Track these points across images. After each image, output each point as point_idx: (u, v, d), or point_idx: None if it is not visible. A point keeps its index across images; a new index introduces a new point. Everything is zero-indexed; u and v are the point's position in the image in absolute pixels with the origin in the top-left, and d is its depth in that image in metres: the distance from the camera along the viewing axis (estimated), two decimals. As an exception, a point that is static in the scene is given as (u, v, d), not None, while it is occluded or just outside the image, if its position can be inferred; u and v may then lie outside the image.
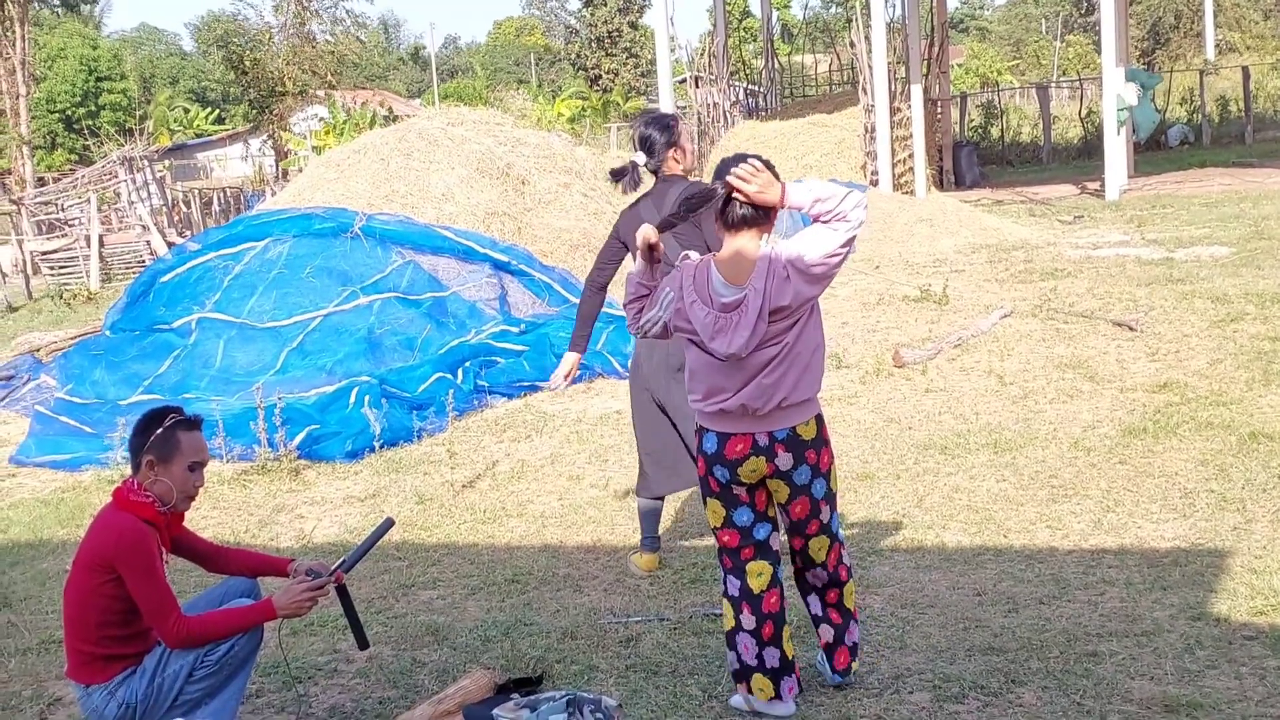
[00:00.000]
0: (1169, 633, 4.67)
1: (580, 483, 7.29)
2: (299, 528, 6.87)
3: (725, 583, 4.29)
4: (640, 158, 5.66)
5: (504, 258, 10.57)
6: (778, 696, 4.23)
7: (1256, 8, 57.03)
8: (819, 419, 4.19)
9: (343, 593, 4.38)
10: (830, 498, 4.27)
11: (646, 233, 4.13)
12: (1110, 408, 7.82)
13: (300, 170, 16.67)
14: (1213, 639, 4.59)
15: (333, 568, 4.34)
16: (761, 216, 4.02)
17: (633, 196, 5.71)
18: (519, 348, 9.54)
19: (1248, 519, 5.74)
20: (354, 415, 8.11)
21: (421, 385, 8.70)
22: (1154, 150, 27.74)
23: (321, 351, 9.32)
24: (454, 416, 8.55)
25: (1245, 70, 31.16)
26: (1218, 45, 49.76)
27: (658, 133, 5.63)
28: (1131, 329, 9.75)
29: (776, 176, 4.02)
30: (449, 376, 8.90)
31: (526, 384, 9.32)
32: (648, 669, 4.72)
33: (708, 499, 4.26)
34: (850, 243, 3.97)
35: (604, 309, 10.15)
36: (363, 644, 4.45)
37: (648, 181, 5.69)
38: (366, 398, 8.23)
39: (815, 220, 3.96)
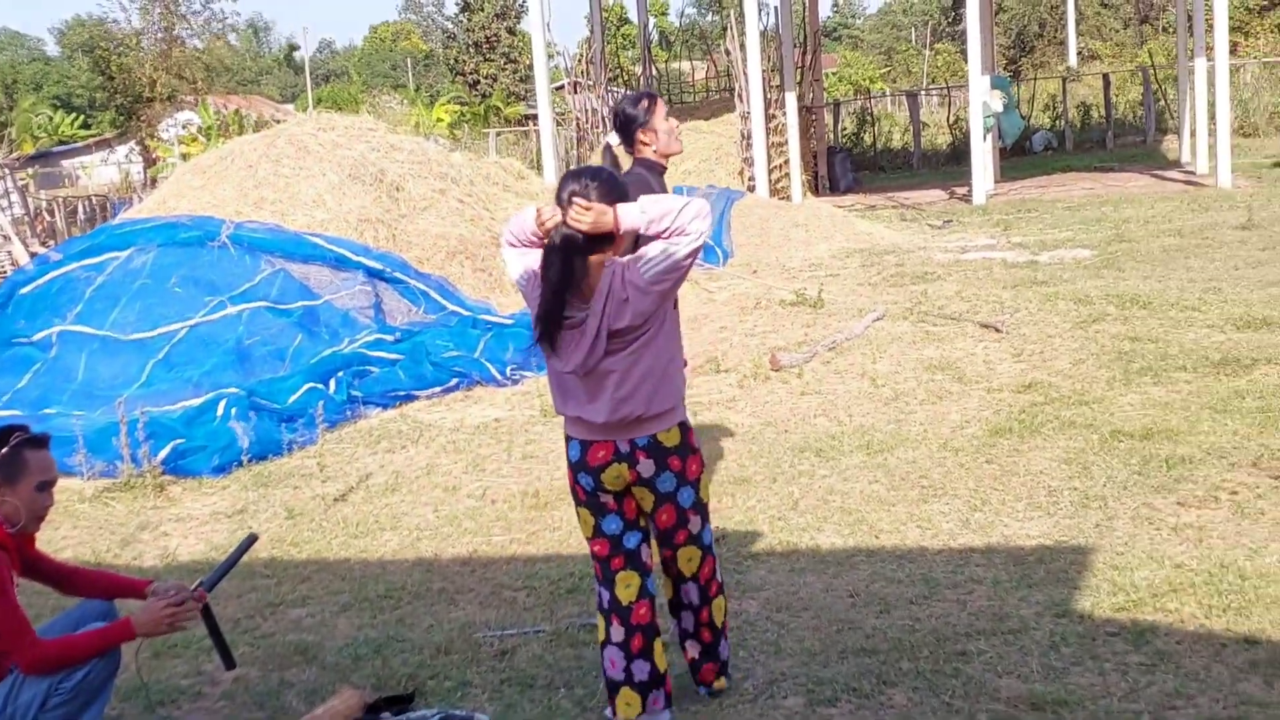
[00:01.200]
0: (1035, 630, 4.76)
1: (457, 493, 7.21)
2: (163, 546, 6.69)
3: (598, 594, 4.26)
4: (614, 138, 5.56)
5: (378, 265, 10.43)
6: (644, 710, 4.20)
7: (1116, 17, 58.79)
8: (683, 426, 4.15)
9: (206, 612, 4.26)
10: (699, 508, 4.24)
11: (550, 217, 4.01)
12: (978, 408, 7.97)
13: (169, 177, 16.30)
14: (1077, 636, 4.68)
15: (194, 586, 4.22)
16: (604, 241, 3.93)
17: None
18: (394, 356, 9.42)
19: (1109, 516, 5.88)
20: (221, 428, 7.92)
21: (292, 396, 8.53)
22: (1019, 156, 28.38)
23: (188, 364, 9.09)
24: (325, 428, 8.40)
25: (1106, 78, 32.08)
26: (1080, 53, 51.17)
27: (629, 112, 5.50)
28: (998, 330, 9.95)
29: (616, 192, 3.95)
30: (321, 387, 8.75)
31: (402, 393, 9.20)
32: (522, 682, 4.67)
33: (578, 508, 4.23)
34: (695, 253, 3.92)
35: (483, 317, 10.16)
36: (229, 664, 4.34)
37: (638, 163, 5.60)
38: (234, 410, 8.04)
39: (655, 238, 3.92)
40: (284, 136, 12.05)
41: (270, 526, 6.83)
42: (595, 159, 21.19)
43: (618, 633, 4.18)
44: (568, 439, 4.16)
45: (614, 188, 3.98)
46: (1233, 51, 23.96)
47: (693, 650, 4.42)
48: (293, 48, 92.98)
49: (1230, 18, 19.96)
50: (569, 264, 3.88)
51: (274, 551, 6.46)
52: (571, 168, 4.10)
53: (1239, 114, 27.29)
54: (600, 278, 3.93)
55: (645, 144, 5.54)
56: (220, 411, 8.11)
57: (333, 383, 8.93)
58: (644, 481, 4.10)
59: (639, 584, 4.21)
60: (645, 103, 5.53)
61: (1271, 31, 41.84)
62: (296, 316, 9.68)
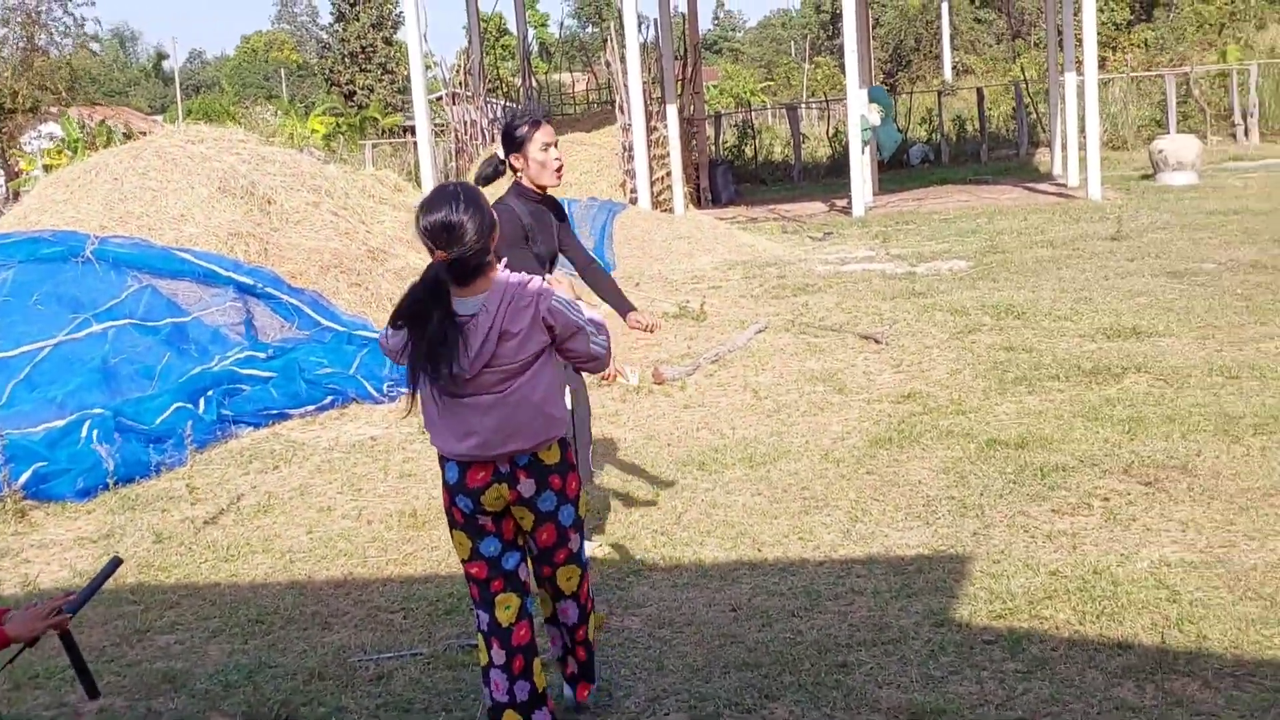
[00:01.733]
0: (914, 640, 4.77)
1: (331, 514, 7.04)
2: (24, 573, 6.42)
3: (477, 617, 4.16)
4: (500, 153, 5.45)
5: (249, 280, 10.17)
6: None
7: (990, 32, 60.17)
8: (563, 443, 4.09)
9: (67, 639, 4.07)
10: (578, 525, 4.19)
11: None
12: (858, 419, 8.02)
13: (31, 191, 15.75)
14: (955, 645, 4.70)
15: (52, 607, 4.03)
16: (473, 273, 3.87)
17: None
18: (266, 374, 9.19)
19: (986, 524, 5.94)
20: (85, 450, 7.64)
21: (160, 416, 8.26)
22: (897, 169, 28.84)
23: (51, 383, 8.76)
24: (195, 449, 8.16)
25: (980, 92, 32.76)
26: (955, 67, 52.24)
27: (509, 131, 5.35)
28: (877, 342, 10.05)
29: (487, 220, 3.84)
30: (190, 406, 8.49)
31: (274, 412, 8.98)
32: (399, 707, 4.56)
33: (453, 530, 4.11)
34: (586, 353, 4.04)
35: (358, 332, 9.97)
36: (92, 693, 4.14)
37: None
38: (98, 431, 7.77)
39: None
40: (151, 149, 11.73)
41: (137, 551, 6.60)
42: (474, 170, 21.05)
43: (499, 655, 4.09)
44: (444, 460, 4.05)
45: (481, 213, 3.83)
46: (1101, 66, 24.60)
47: (571, 666, 4.37)
48: (161, 57, 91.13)
49: (1098, 33, 20.48)
50: (445, 306, 3.79)
51: (141, 576, 6.24)
52: (436, 188, 3.96)
53: (1108, 128, 28.05)
54: (495, 280, 3.87)
55: (515, 169, 5.43)
56: (85, 433, 7.83)
57: (202, 402, 8.68)
58: (524, 501, 4.02)
59: (519, 605, 4.12)
60: (525, 127, 5.35)
61: (1138, 47, 43.12)
62: (164, 334, 9.40)
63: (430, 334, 3.76)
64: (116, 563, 4.36)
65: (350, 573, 6.09)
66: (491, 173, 5.50)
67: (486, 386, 3.88)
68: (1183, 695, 4.18)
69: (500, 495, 3.99)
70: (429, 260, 3.82)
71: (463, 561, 4.13)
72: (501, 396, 3.89)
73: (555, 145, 5.42)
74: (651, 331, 5.60)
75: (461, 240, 3.76)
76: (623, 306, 5.75)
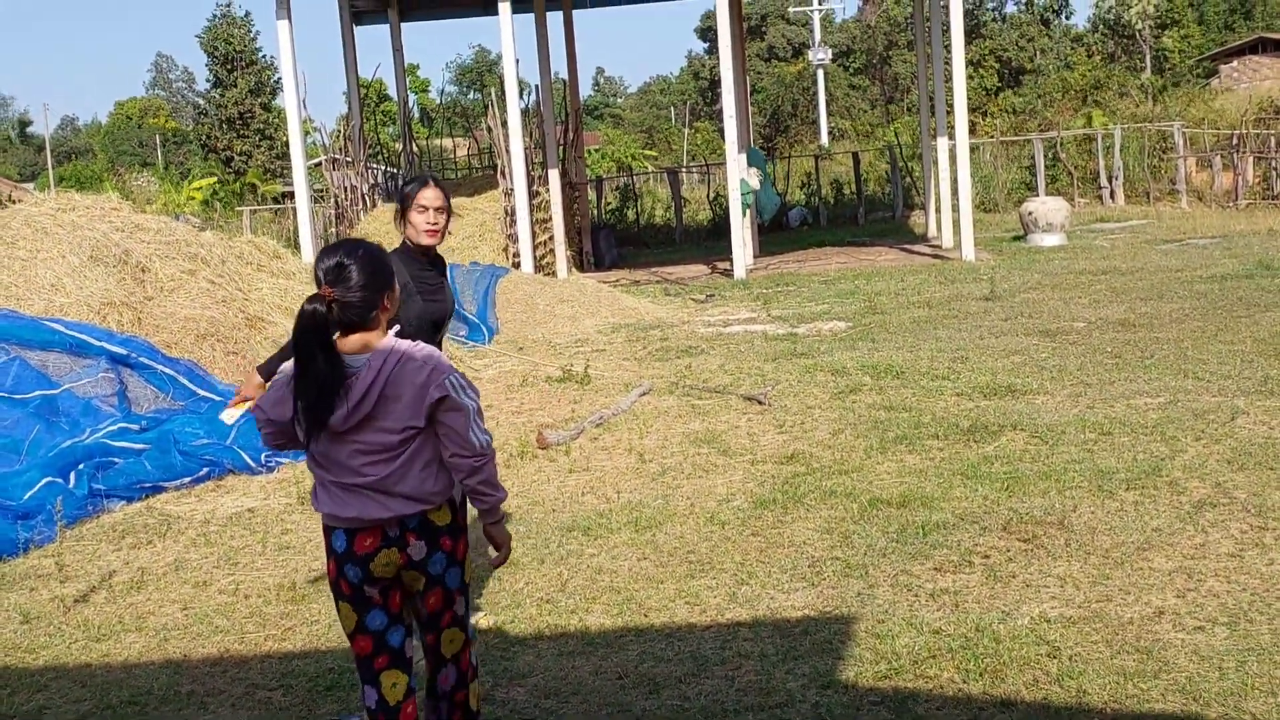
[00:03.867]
0: (801, 703, 4.77)
1: (207, 589, 6.84)
2: (-120, 660, 6.13)
3: (363, 693, 4.06)
4: None
5: (122, 350, 9.92)
6: None
7: (864, 98, 61.62)
8: (452, 504, 4.05)
9: None
10: (464, 589, 4.14)
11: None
12: (743, 480, 8.05)
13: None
14: (842, 706, 4.71)
15: None
16: (357, 322, 3.89)
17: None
18: (140, 446, 8.94)
19: (870, 584, 5.98)
20: (-52, 529, 7.35)
21: (28, 492, 7.98)
22: (777, 231, 29.29)
23: (-88, 459, 8.44)
24: (65, 525, 7.88)
25: (856, 156, 33.49)
26: (831, 132, 53.34)
27: (400, 191, 5.43)
28: (760, 403, 10.12)
29: (379, 270, 3.91)
30: (59, 481, 8.22)
31: (149, 484, 8.74)
32: (278, 788, 4.42)
33: (339, 603, 4.02)
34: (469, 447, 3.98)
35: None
36: None
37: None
38: (-38, 509, 7.49)
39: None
40: (19, 217, 11.43)
41: (3, 632, 6.34)
42: (363, 225, 20.86)
43: None
44: (329, 530, 3.97)
45: (376, 265, 3.89)
46: (972, 131, 25.33)
47: None
48: (24, 123, 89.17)
49: (968, 99, 21.08)
50: (323, 339, 3.78)
51: (7, 659, 5.99)
52: (330, 243, 3.96)
53: (980, 190, 28.83)
54: (383, 342, 3.90)
55: (400, 228, 5.44)
56: (-53, 510, 7.53)
57: (73, 476, 8.41)
58: (415, 565, 3.96)
59: (405, 682, 4.05)
60: (410, 187, 5.42)
61: (1007, 112, 44.45)
62: (33, 406, 9.11)
63: (317, 373, 3.75)
64: None
65: (227, 649, 5.92)
66: None
67: (364, 461, 3.85)
68: (1065, 751, 4.23)
69: (390, 561, 3.93)
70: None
71: (348, 634, 4.04)
72: (382, 467, 3.86)
73: (440, 210, 5.40)
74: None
75: (348, 281, 3.81)
76: None
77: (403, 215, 5.38)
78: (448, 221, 5.48)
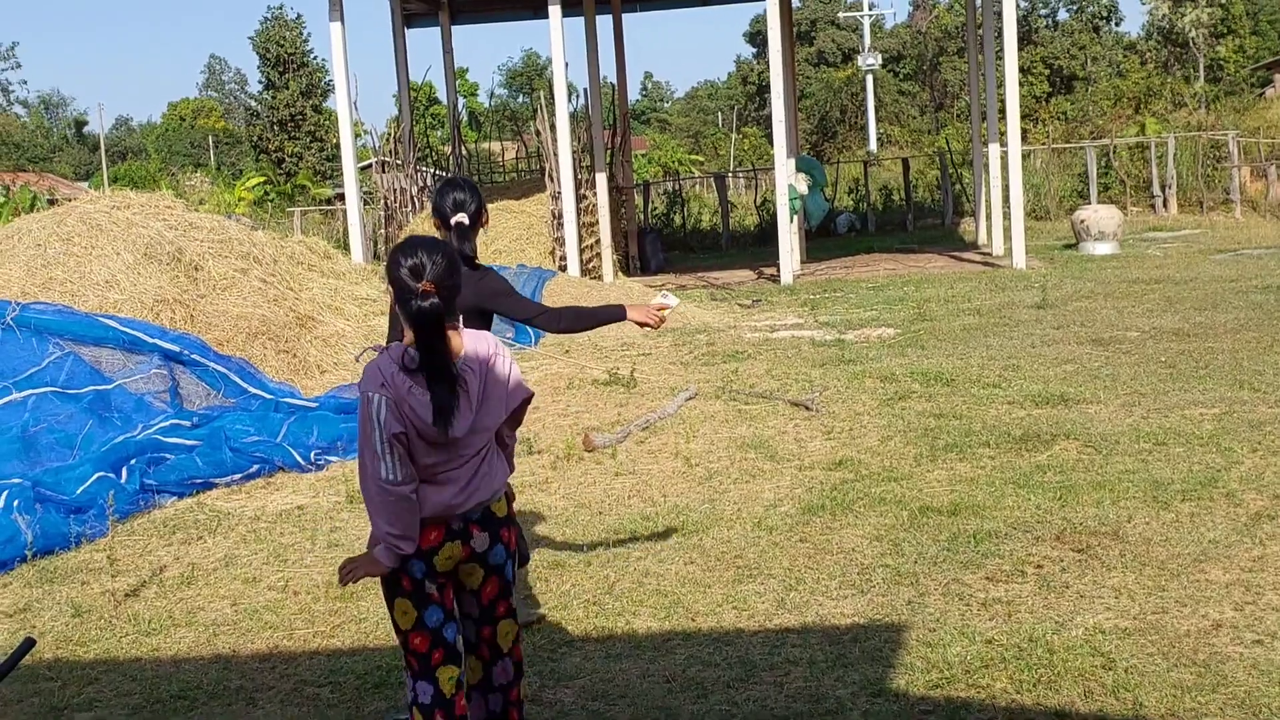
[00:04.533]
0: (851, 710, 4.72)
1: (257, 585, 6.87)
2: (-66, 650, 6.19)
3: (414, 690, 4.03)
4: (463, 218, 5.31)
5: (175, 347, 10.01)
6: None
7: (914, 104, 61.34)
8: (508, 495, 4.12)
9: None
10: (514, 579, 4.19)
11: None
12: (790, 486, 8.00)
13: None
14: (893, 715, 4.66)
15: None
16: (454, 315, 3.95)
17: None
18: (191, 443, 9.00)
19: (921, 592, 5.92)
20: (3, 521, 7.40)
21: (81, 486, 8.05)
22: (824, 237, 29.18)
23: (-33, 453, 8.53)
24: (116, 519, 7.96)
25: (905, 162, 33.31)
26: (879, 138, 53.12)
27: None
28: (808, 409, 10.07)
29: (459, 272, 3.95)
30: (112, 476, 8.29)
31: (199, 480, 8.80)
32: (326, 785, 4.43)
33: (397, 599, 4.00)
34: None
35: (286, 400, 9.84)
36: None
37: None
38: (16, 502, 7.55)
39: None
40: (75, 214, 11.56)
41: (55, 625, 6.40)
42: (412, 227, 20.92)
43: None
44: None
45: (453, 257, 3.94)
46: (1023, 138, 25.13)
47: None
48: (80, 123, 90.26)
49: (1019, 105, 20.92)
50: (441, 332, 3.84)
51: (59, 652, 6.04)
52: (407, 238, 3.98)
53: (1031, 198, 28.59)
54: (466, 341, 3.96)
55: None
56: (1, 503, 7.60)
57: (125, 471, 8.47)
58: (476, 557, 4.01)
59: (458, 675, 4.06)
60: (440, 197, 5.41)
61: (1057, 119, 44.12)
62: (86, 402, 9.20)
63: (448, 374, 3.82)
64: (29, 644, 4.22)
65: (276, 646, 5.94)
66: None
67: (462, 461, 3.93)
68: (1120, 764, 4.17)
69: (452, 555, 3.97)
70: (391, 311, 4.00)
71: (404, 631, 4.02)
72: (472, 456, 3.94)
73: None
74: (659, 323, 5.44)
75: (439, 272, 3.83)
76: (614, 313, 5.55)
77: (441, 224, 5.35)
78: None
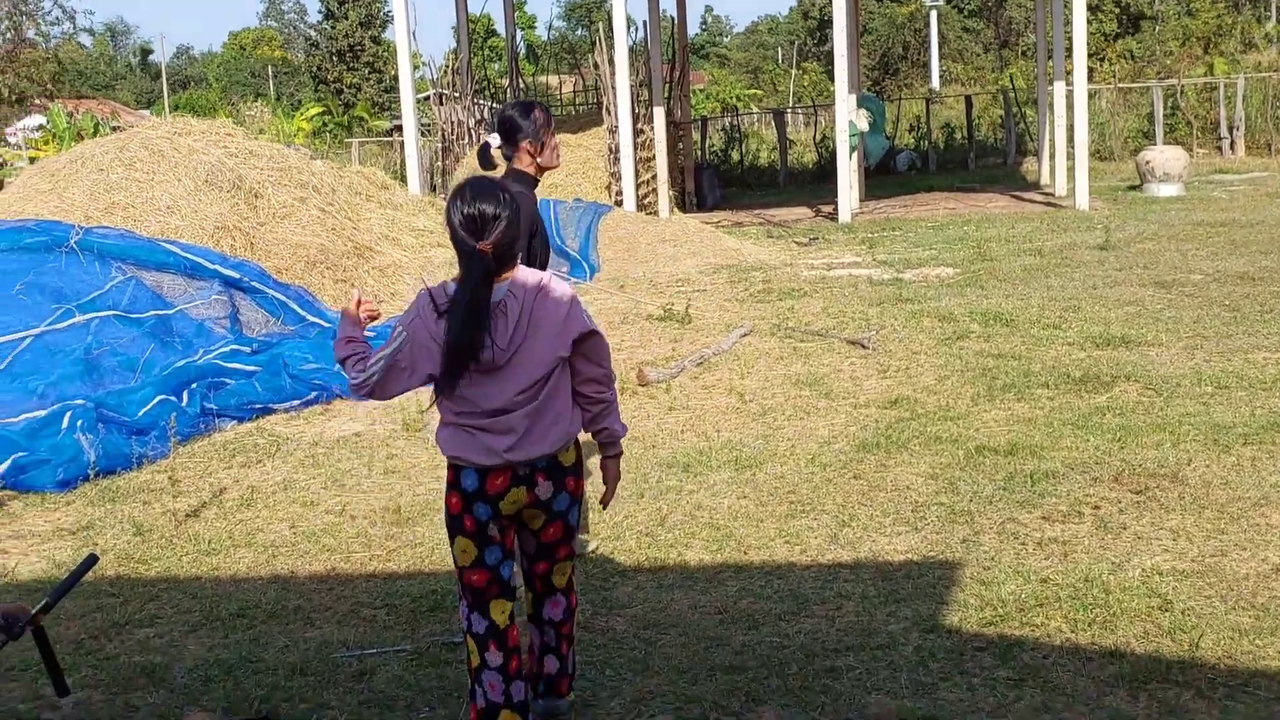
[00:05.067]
0: (903, 645, 4.73)
1: (315, 509, 6.96)
2: (0, 564, 6.33)
3: (469, 620, 4.07)
4: (495, 140, 5.39)
5: (235, 274, 10.10)
6: None
7: (978, 41, 60.35)
8: (576, 444, 4.09)
9: (40, 635, 4.00)
10: (578, 523, 4.19)
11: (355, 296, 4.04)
12: (845, 423, 7.98)
13: (15, 180, 15.59)
14: (945, 651, 4.66)
15: (33, 610, 3.96)
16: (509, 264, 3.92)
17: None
18: (251, 368, 9.10)
19: (976, 531, 5.90)
20: (66, 441, 7.54)
21: (142, 408, 8.17)
22: (884, 175, 28.87)
23: (32, 374, 8.66)
24: (177, 441, 8.08)
25: (968, 99, 32.81)
26: (942, 76, 52.36)
27: (518, 121, 5.32)
28: (864, 347, 10.01)
29: (519, 216, 3.91)
30: (173, 399, 8.40)
31: (259, 406, 8.90)
32: (382, 704, 4.50)
33: (458, 538, 4.02)
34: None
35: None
36: (61, 690, 4.08)
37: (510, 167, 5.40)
38: (80, 422, 7.67)
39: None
40: (137, 140, 11.64)
41: (117, 543, 6.52)
42: (469, 160, 20.94)
43: (495, 657, 4.03)
44: (459, 469, 3.97)
45: (516, 207, 3.89)
46: (1089, 77, 24.65)
47: (550, 665, 4.29)
48: (146, 51, 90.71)
49: (1086, 43, 20.51)
50: (489, 283, 3.82)
51: (120, 569, 6.16)
52: (466, 181, 3.95)
53: (1095, 138, 28.11)
54: (518, 271, 3.94)
55: (530, 155, 5.36)
56: (65, 424, 7.73)
57: (186, 394, 8.59)
58: (540, 503, 4.01)
59: (511, 608, 4.09)
60: (540, 116, 5.38)
61: (1124, 58, 43.25)
62: (148, 326, 9.31)
63: (479, 311, 3.79)
64: (92, 561, 4.30)
65: (333, 568, 6.03)
66: (488, 162, 5.49)
67: (515, 391, 3.89)
68: (1176, 705, 4.15)
69: (517, 500, 3.97)
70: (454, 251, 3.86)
71: (463, 569, 4.04)
72: (528, 406, 3.90)
73: None
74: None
75: (498, 229, 3.80)
76: None
77: (530, 142, 5.31)
78: None
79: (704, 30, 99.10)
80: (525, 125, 5.33)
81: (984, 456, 6.99)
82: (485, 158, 5.48)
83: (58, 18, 36.51)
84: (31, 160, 25.39)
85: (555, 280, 3.99)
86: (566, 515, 4.09)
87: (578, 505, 4.13)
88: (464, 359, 3.81)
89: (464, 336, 3.79)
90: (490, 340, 3.82)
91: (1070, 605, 4.94)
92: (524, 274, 3.95)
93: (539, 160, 5.35)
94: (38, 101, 33.92)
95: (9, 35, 33.70)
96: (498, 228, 3.79)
